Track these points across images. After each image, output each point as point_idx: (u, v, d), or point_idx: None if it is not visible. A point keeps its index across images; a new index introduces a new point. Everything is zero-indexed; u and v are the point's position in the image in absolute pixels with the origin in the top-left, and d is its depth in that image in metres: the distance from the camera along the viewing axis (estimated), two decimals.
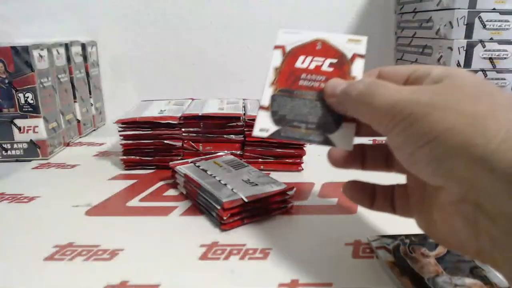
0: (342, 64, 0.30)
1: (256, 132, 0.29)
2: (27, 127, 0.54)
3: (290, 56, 0.31)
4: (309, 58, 0.30)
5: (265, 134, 0.29)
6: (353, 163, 0.29)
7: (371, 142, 0.30)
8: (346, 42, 0.31)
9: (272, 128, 0.29)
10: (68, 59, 0.63)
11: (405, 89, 0.23)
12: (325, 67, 0.30)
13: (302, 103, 0.29)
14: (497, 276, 0.27)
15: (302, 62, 0.30)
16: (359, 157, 0.29)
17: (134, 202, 0.41)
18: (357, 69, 0.29)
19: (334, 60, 0.30)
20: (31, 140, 0.54)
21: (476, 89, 0.21)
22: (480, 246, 0.21)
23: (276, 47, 0.32)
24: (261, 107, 0.30)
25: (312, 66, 0.30)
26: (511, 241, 0.19)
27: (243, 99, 0.60)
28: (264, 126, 0.29)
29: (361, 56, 0.30)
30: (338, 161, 0.29)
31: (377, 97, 0.23)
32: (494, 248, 0.20)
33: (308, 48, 0.31)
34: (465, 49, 0.56)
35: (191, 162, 0.45)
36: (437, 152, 0.20)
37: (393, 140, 0.23)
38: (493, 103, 0.20)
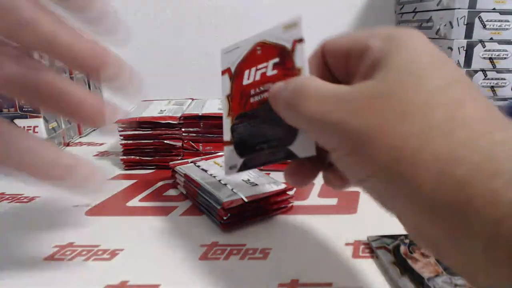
0: (285, 60, 0.25)
1: (227, 171, 0.27)
2: (27, 127, 0.54)
3: (237, 76, 0.28)
4: (253, 70, 0.27)
5: (234, 171, 0.27)
6: (311, 174, 0.26)
7: None
8: (283, 31, 0.26)
9: (239, 162, 0.27)
10: None
11: (330, 101, 0.20)
12: (270, 72, 0.26)
13: (259, 121, 0.26)
14: None
15: (248, 77, 0.27)
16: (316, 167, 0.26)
17: (134, 202, 0.41)
18: (300, 58, 0.24)
19: (277, 60, 0.25)
20: None
21: (418, 93, 0.18)
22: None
23: (223, 72, 0.29)
24: (224, 143, 0.27)
25: (258, 77, 0.26)
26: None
27: None
28: (232, 163, 0.27)
29: (299, 40, 0.25)
30: (297, 180, 0.26)
31: (304, 112, 0.21)
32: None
33: (250, 58, 0.27)
34: (465, 49, 0.56)
35: (191, 162, 0.45)
36: (375, 192, 0.20)
37: (333, 160, 0.22)
38: (422, 126, 0.18)
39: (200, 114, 0.50)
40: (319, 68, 0.25)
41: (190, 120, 0.50)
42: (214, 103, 0.57)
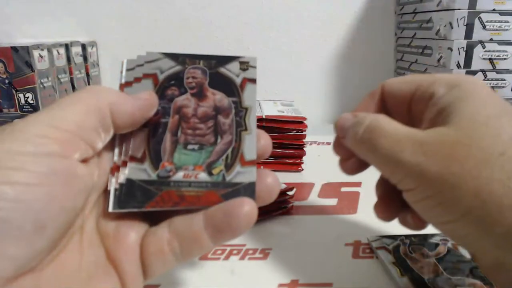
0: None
1: None
2: None
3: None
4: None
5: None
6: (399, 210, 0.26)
7: None
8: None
9: None
10: (68, 59, 0.63)
11: (407, 143, 0.21)
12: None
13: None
14: None
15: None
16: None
17: None
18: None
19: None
20: None
21: (495, 144, 0.19)
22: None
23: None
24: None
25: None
26: None
27: None
28: None
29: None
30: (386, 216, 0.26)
31: (378, 149, 0.22)
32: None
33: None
34: (465, 49, 0.56)
35: None
36: (459, 233, 0.20)
37: (407, 201, 0.22)
38: (503, 174, 0.19)
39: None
40: (379, 109, 0.26)
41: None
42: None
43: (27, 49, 0.51)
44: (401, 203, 0.24)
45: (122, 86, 0.24)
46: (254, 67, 0.25)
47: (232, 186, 0.22)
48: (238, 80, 0.25)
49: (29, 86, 0.52)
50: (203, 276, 0.29)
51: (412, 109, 0.25)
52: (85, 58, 0.68)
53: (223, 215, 0.20)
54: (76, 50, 0.65)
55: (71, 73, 0.63)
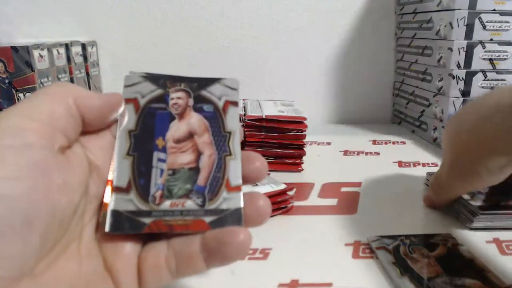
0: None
1: None
2: None
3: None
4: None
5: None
6: None
7: None
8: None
9: None
10: (68, 59, 0.63)
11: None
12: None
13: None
14: (497, 277, 0.27)
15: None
16: None
17: None
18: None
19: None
20: None
21: None
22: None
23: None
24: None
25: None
26: None
27: (243, 100, 0.60)
28: None
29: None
30: None
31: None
32: None
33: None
34: (465, 50, 0.56)
35: None
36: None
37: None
38: None
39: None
40: None
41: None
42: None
43: (27, 49, 0.51)
44: None
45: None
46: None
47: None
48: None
49: (29, 86, 0.52)
50: (203, 276, 0.29)
51: None
52: (85, 58, 0.68)
53: (216, 242, 0.20)
54: (76, 50, 0.65)
55: (71, 73, 0.63)
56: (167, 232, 0.21)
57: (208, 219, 0.21)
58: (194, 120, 0.24)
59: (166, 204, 0.21)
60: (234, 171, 0.22)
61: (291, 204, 0.39)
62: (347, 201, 0.41)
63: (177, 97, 0.24)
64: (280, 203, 0.38)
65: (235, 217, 0.21)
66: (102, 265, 0.20)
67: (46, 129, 0.19)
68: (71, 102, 0.20)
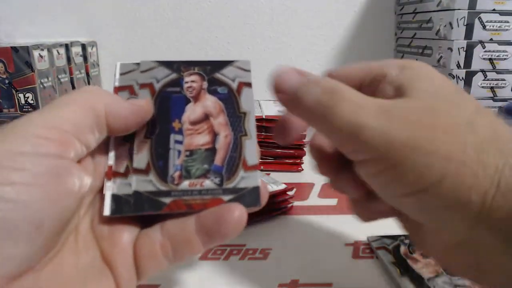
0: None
1: None
2: None
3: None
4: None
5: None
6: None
7: None
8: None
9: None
10: (68, 59, 0.63)
11: (370, 108, 0.19)
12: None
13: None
14: None
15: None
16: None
17: None
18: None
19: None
20: None
21: (450, 115, 0.19)
22: (478, 275, 0.20)
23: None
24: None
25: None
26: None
27: None
28: None
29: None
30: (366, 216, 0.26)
31: (338, 114, 0.19)
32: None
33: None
34: (465, 49, 0.56)
35: None
36: (428, 205, 0.19)
37: (363, 175, 0.21)
38: (475, 139, 0.18)
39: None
40: None
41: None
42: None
43: (27, 49, 0.51)
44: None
45: (116, 90, 0.24)
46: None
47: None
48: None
49: (29, 86, 0.52)
50: (203, 276, 0.29)
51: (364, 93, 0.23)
52: (85, 58, 0.68)
53: (213, 221, 0.20)
54: (76, 50, 0.65)
55: (71, 73, 0.63)
56: (185, 211, 0.21)
57: (226, 197, 0.22)
58: (209, 102, 0.24)
59: (185, 184, 0.22)
60: (250, 150, 0.23)
61: (291, 204, 0.39)
62: (347, 201, 0.41)
63: (191, 81, 0.24)
64: (280, 203, 0.38)
65: (253, 195, 0.22)
66: (100, 257, 0.21)
67: (69, 139, 0.19)
68: (100, 112, 0.20)
